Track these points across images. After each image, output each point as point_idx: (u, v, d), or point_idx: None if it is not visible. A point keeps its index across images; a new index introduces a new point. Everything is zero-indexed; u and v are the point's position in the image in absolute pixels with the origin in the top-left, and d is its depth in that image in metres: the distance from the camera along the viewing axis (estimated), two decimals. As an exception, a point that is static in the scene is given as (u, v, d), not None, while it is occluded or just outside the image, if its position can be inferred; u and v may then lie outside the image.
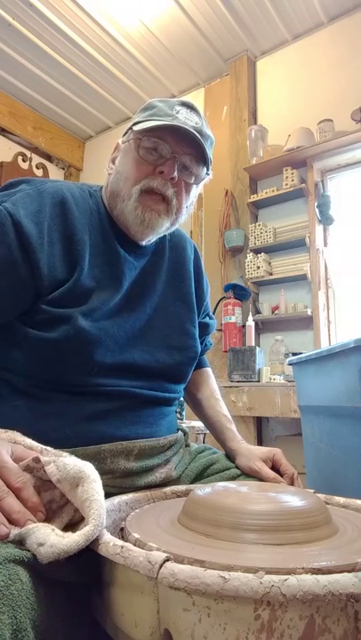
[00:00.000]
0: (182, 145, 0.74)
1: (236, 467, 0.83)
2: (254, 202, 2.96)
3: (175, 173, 0.74)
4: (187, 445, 0.88)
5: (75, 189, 0.77)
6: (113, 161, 0.82)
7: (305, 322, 2.69)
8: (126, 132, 0.80)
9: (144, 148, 0.74)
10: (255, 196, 2.95)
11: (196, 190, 0.82)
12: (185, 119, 0.74)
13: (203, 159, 0.77)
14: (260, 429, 2.69)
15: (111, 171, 0.81)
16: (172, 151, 0.74)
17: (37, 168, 3.95)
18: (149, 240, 0.80)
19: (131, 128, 0.78)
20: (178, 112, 0.75)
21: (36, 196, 0.70)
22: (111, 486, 0.66)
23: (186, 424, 1.87)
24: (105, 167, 0.83)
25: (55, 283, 0.68)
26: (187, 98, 0.80)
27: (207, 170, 0.80)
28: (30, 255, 0.66)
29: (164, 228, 0.78)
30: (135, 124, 0.76)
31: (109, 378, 0.70)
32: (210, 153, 0.78)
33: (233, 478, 0.80)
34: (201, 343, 0.92)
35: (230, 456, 0.87)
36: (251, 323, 2.73)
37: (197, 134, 0.74)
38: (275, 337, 2.67)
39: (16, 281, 0.66)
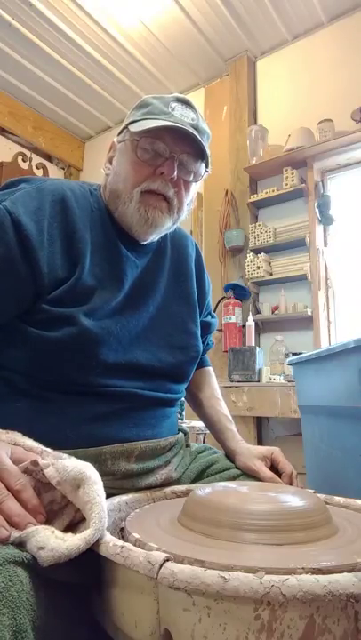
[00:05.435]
0: (180, 143, 0.74)
1: (236, 466, 0.83)
2: (254, 202, 2.95)
3: (175, 173, 0.74)
4: (187, 446, 0.88)
5: (75, 187, 0.77)
6: (110, 161, 0.81)
7: (305, 322, 2.68)
8: (122, 132, 0.79)
9: (142, 149, 0.74)
10: (255, 195, 2.95)
11: (195, 187, 0.82)
12: (181, 116, 0.74)
13: (201, 156, 0.77)
14: (260, 429, 2.69)
15: (108, 171, 0.80)
16: (170, 150, 0.74)
17: (37, 168, 3.95)
18: (152, 239, 0.79)
19: (126, 127, 0.77)
20: (173, 109, 0.74)
21: (36, 194, 0.70)
22: (112, 488, 0.66)
23: (186, 424, 1.87)
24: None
25: (56, 281, 0.68)
26: (187, 97, 0.79)
27: (206, 166, 0.80)
28: (30, 253, 0.65)
29: (167, 226, 0.78)
30: (130, 123, 0.76)
31: (112, 378, 0.70)
32: (207, 148, 0.78)
33: (233, 478, 0.80)
34: (203, 342, 0.92)
35: (230, 456, 0.87)
36: (251, 323, 2.73)
37: (195, 132, 0.74)
38: (275, 337, 2.67)
39: (16, 279, 0.66)
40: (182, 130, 0.72)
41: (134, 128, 0.74)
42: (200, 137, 0.74)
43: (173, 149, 0.74)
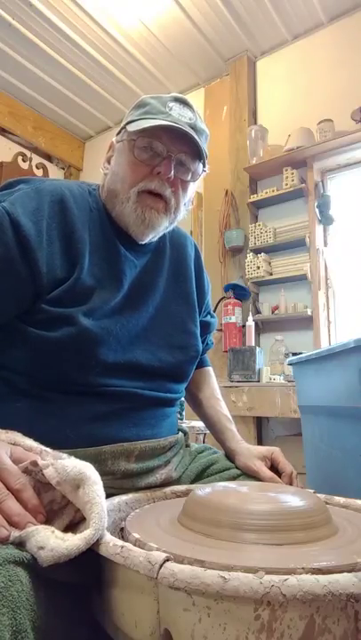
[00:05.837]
0: (177, 143, 0.74)
1: (236, 466, 0.83)
2: (254, 202, 2.95)
3: (172, 173, 0.74)
4: (187, 446, 0.88)
5: (74, 187, 0.77)
6: (108, 160, 0.82)
7: (305, 322, 2.68)
8: (120, 132, 0.80)
9: (139, 149, 0.74)
10: (255, 195, 2.95)
11: (193, 186, 0.82)
12: (179, 115, 0.74)
13: (198, 155, 0.77)
14: (260, 429, 2.68)
15: (107, 171, 0.81)
16: (167, 150, 0.74)
17: (37, 168, 3.95)
18: (149, 239, 0.79)
19: (124, 127, 0.77)
20: (171, 109, 0.74)
21: (35, 195, 0.70)
22: (112, 487, 0.66)
23: (186, 424, 1.87)
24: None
25: (55, 281, 0.68)
26: (185, 96, 0.79)
27: (203, 165, 0.80)
28: (29, 254, 0.66)
29: (164, 227, 0.78)
30: (128, 123, 0.76)
31: (112, 378, 0.70)
32: (205, 148, 0.78)
33: (233, 478, 0.80)
34: (202, 342, 0.92)
35: (230, 456, 0.87)
36: (251, 323, 2.73)
37: (192, 131, 0.74)
38: (275, 337, 2.67)
39: (16, 280, 0.66)
40: (179, 129, 0.72)
41: (132, 128, 0.74)
42: (197, 136, 0.74)
43: (170, 149, 0.74)
